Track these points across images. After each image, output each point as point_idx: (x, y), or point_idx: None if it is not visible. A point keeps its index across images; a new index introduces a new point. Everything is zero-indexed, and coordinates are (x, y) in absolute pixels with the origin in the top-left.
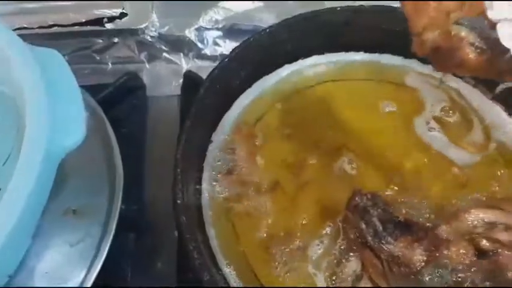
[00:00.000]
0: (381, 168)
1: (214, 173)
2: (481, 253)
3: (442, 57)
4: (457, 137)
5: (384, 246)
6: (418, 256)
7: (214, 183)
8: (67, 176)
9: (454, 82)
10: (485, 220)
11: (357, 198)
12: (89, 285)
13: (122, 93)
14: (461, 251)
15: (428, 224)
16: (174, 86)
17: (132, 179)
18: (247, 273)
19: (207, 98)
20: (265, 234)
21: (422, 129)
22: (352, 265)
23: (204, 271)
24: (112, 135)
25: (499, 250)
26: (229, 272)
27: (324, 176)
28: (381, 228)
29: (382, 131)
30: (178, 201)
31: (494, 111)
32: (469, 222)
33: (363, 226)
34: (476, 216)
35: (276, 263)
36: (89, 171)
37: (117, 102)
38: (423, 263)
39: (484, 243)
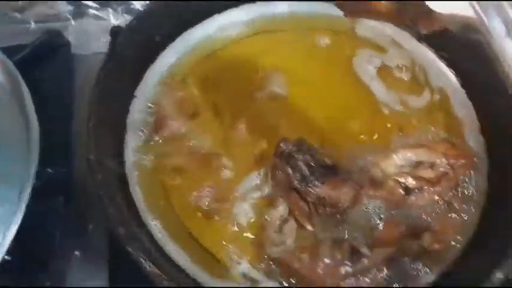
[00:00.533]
0: (311, 102)
1: (139, 129)
2: (407, 191)
3: (351, 3)
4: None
5: (310, 189)
6: (344, 197)
7: (140, 139)
8: None
9: (388, 28)
10: (413, 159)
11: (281, 145)
12: (4, 250)
13: (43, 53)
14: (387, 189)
15: (356, 166)
16: (103, 43)
17: (59, 141)
18: (176, 225)
19: (125, 49)
20: (195, 187)
21: (362, 65)
22: (280, 209)
23: (120, 225)
24: (28, 98)
25: (424, 187)
26: (154, 224)
27: (255, 125)
28: (307, 172)
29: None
30: (91, 157)
31: (423, 53)
32: (397, 162)
33: (290, 171)
34: (405, 156)
35: (206, 213)
36: (5, 135)
37: (39, 61)
38: (349, 203)
39: (410, 181)
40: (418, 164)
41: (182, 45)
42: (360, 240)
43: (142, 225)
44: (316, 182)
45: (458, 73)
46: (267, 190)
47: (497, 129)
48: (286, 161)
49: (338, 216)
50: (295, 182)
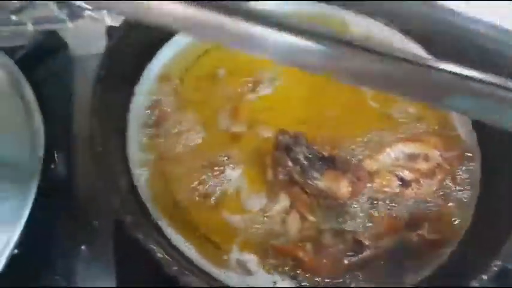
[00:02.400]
0: (303, 105)
1: (140, 125)
2: (403, 183)
3: None
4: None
5: (310, 182)
6: (343, 189)
7: (141, 135)
8: None
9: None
10: (407, 152)
11: (280, 137)
12: (11, 245)
13: (42, 53)
14: (384, 182)
15: (352, 158)
16: (100, 43)
17: (60, 140)
18: (180, 215)
19: (123, 49)
20: (198, 179)
21: None
22: (282, 202)
23: (128, 214)
24: (31, 96)
25: (421, 180)
26: (159, 215)
27: (255, 122)
28: (306, 164)
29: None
30: (98, 151)
31: None
32: (392, 155)
33: (290, 164)
34: (398, 150)
35: (209, 204)
36: (9, 135)
37: (38, 62)
38: (348, 195)
39: (407, 173)
40: (413, 157)
41: (182, 41)
42: (361, 231)
43: (148, 216)
44: (316, 175)
45: None
46: (266, 184)
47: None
48: (287, 154)
49: (338, 207)
50: (296, 175)
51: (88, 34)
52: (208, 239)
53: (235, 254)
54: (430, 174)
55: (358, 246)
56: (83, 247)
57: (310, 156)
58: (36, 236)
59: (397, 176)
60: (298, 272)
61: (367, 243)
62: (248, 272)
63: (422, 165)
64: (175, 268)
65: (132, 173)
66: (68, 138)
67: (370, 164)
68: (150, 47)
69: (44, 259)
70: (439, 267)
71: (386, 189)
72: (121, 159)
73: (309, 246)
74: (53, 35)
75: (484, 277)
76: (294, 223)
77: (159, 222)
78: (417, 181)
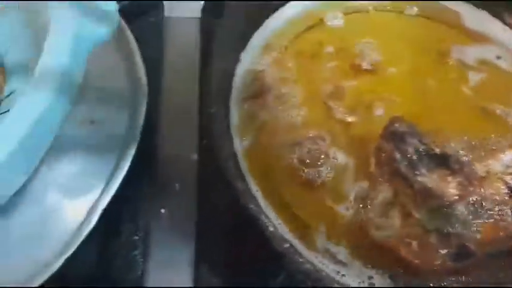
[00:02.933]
0: (415, 99)
1: (242, 93)
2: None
3: None
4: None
5: (417, 177)
6: (451, 190)
7: (243, 104)
8: (88, 86)
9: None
10: None
11: (396, 125)
12: (108, 198)
13: (137, 11)
14: (493, 188)
15: (464, 159)
16: (196, 8)
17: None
18: (274, 192)
19: (233, 14)
20: (294, 161)
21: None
22: (384, 194)
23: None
24: (136, 49)
25: None
26: (256, 190)
27: (359, 104)
28: (415, 158)
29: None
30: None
31: None
32: (504, 162)
33: (397, 155)
34: (511, 157)
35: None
36: (111, 84)
37: (129, 20)
38: (456, 197)
39: None
40: None
41: (290, 12)
42: (468, 237)
43: (246, 186)
44: (424, 170)
45: None
46: (368, 173)
47: None
48: (396, 144)
49: (444, 209)
50: (402, 168)
51: None
52: (300, 220)
53: (324, 242)
54: None
55: (464, 251)
56: (162, 210)
57: (421, 150)
58: (121, 194)
59: (506, 184)
60: (396, 269)
61: (474, 250)
62: (340, 262)
63: None
64: (287, 245)
65: (233, 140)
66: (154, 99)
67: (480, 168)
68: (259, 16)
69: (127, 217)
70: None
71: (494, 196)
72: (225, 125)
73: (414, 244)
74: None
75: None
76: (396, 218)
77: (256, 194)
78: None
